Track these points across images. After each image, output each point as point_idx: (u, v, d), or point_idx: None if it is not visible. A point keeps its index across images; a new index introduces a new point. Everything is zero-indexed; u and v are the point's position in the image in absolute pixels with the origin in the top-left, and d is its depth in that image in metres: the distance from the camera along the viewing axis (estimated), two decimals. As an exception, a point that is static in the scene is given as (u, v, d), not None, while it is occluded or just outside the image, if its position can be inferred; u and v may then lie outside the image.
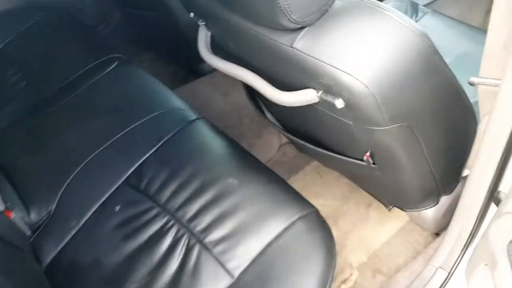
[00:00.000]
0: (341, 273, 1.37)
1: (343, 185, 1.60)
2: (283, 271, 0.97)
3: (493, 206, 1.07)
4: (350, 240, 1.45)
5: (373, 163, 1.02)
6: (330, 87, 0.79)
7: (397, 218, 1.48)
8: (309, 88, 0.83)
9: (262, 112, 1.38)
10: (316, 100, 0.83)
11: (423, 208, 1.22)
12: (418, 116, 0.85)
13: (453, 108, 0.93)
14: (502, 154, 0.89)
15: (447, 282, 1.20)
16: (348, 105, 0.79)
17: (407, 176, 1.03)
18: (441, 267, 1.23)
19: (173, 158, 1.20)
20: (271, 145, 1.75)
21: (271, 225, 1.03)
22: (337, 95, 0.79)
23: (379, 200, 1.43)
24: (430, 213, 1.27)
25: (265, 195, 1.09)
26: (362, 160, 1.02)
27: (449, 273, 1.20)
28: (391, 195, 1.23)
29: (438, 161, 1.01)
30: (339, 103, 0.79)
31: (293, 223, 1.03)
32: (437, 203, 1.22)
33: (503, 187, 1.01)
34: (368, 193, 1.51)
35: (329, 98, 0.80)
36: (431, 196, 1.18)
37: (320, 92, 0.82)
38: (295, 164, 1.71)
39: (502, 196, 1.02)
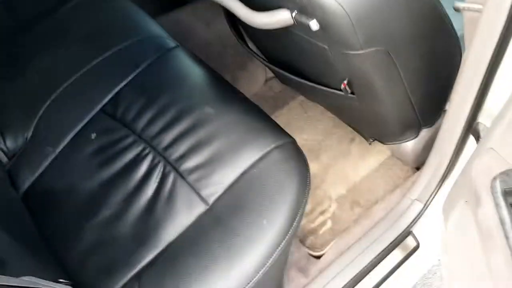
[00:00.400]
0: (320, 204, 1.38)
1: (327, 120, 1.59)
2: (256, 198, 0.97)
3: (471, 139, 1.06)
4: (330, 173, 1.45)
5: (352, 93, 1.00)
6: (304, 8, 0.76)
7: (379, 153, 1.48)
8: (283, 8, 0.80)
9: (244, 42, 1.34)
10: (291, 21, 0.80)
11: (403, 141, 1.22)
12: (395, 41, 0.82)
13: (434, 34, 0.90)
14: (481, 83, 0.87)
15: (422, 214, 1.21)
16: (323, 26, 0.76)
17: (386, 106, 1.01)
18: (417, 199, 1.24)
19: (150, 86, 1.17)
20: (256, 79, 1.72)
21: (246, 154, 1.02)
22: (311, 15, 0.76)
23: (361, 134, 1.42)
24: (410, 146, 1.26)
25: (241, 124, 1.08)
26: (340, 90, 1.00)
27: (425, 205, 1.21)
28: (371, 128, 1.22)
29: (418, 91, 0.99)
30: (314, 25, 0.76)
31: (268, 153, 1.02)
32: (417, 136, 1.21)
33: (482, 119, 1.00)
34: (351, 127, 1.50)
35: (303, 19, 0.77)
36: (411, 128, 1.17)
37: (294, 13, 0.78)
38: (281, 98, 1.69)
39: (481, 127, 1.01)
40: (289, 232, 0.95)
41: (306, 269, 1.19)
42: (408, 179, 1.36)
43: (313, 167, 1.47)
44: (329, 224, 1.34)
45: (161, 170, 1.04)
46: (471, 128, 1.00)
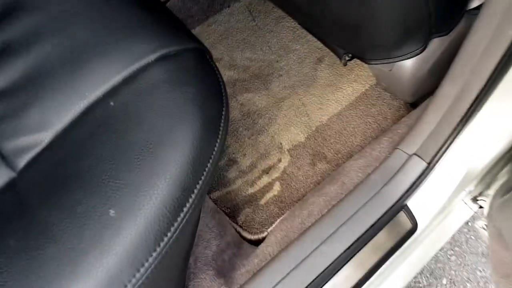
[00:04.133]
0: (264, 158, 0.90)
1: (285, 31, 1.07)
2: (108, 159, 0.48)
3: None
4: (284, 110, 0.96)
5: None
6: None
7: (357, 80, 0.99)
8: None
9: None
10: None
11: (399, 58, 0.72)
12: None
13: None
14: None
15: (423, 178, 0.75)
16: None
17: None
18: (416, 154, 0.76)
19: None
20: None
21: (98, 72, 0.51)
22: None
23: (333, 50, 0.91)
24: (409, 67, 0.77)
25: (103, 21, 0.56)
26: None
27: (429, 164, 0.74)
28: (351, 34, 0.71)
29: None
30: None
31: (144, 68, 0.52)
32: (423, 48, 0.71)
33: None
34: (320, 40, 0.99)
35: None
36: (415, 34, 0.67)
37: None
38: None
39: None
40: (186, 207, 0.48)
41: (233, 267, 0.73)
42: (401, 122, 0.88)
43: (259, 100, 0.97)
44: (276, 188, 0.87)
45: None
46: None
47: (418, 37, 0.69)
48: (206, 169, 0.52)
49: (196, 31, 1.09)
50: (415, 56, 0.73)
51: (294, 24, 1.06)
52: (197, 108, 0.51)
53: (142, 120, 0.50)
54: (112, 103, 0.50)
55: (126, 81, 0.51)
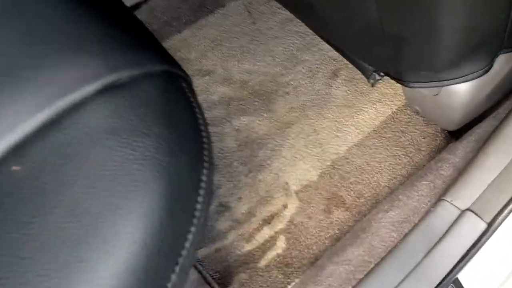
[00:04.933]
0: (265, 202, 0.70)
1: (292, 38, 0.87)
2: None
3: None
4: (291, 138, 0.76)
5: None
6: None
7: (382, 100, 0.79)
8: None
9: None
10: None
11: (457, 79, 0.52)
12: None
13: None
14: None
15: (485, 242, 0.55)
16: None
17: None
18: (471, 211, 0.57)
19: None
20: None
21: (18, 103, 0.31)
22: None
23: (356, 66, 0.71)
24: (465, 90, 0.57)
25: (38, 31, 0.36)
26: None
27: (490, 225, 0.55)
28: (392, 49, 0.51)
29: None
30: None
31: (75, 107, 0.32)
32: (491, 66, 0.51)
33: None
34: (339, 51, 0.78)
35: None
36: (484, 49, 0.47)
37: None
38: (213, -2, 0.95)
39: None
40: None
41: None
42: (441, 157, 0.68)
43: (260, 125, 0.77)
44: (281, 245, 0.67)
45: None
46: None
47: (484, 53, 0.49)
48: (183, 252, 0.32)
49: (183, 36, 0.89)
50: (477, 78, 0.53)
51: (305, 28, 0.86)
52: (159, 171, 0.32)
53: (67, 197, 0.30)
54: (15, 168, 0.30)
55: (43, 130, 0.31)
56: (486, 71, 0.52)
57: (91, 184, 0.30)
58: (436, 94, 0.60)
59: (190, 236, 0.32)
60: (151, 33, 0.43)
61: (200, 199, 0.33)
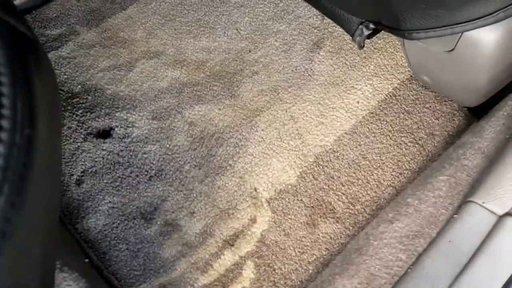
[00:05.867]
0: (227, 216, 0.52)
1: (262, 5, 0.70)
2: None
3: None
4: (260, 129, 0.58)
5: None
6: None
7: (379, 74, 0.62)
8: None
9: None
10: None
11: (475, 21, 0.34)
12: None
13: None
14: None
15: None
16: None
17: None
18: (510, 214, 0.38)
19: None
20: None
21: None
22: None
23: (338, 21, 0.52)
24: (494, 41, 0.39)
25: None
26: None
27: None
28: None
29: None
30: None
31: None
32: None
33: None
34: (319, 8, 0.61)
35: None
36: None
37: None
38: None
39: None
40: None
41: None
42: (464, 141, 0.50)
43: (220, 115, 0.59)
44: (248, 275, 0.49)
45: None
46: None
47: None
48: None
49: (128, 13, 0.71)
50: (504, 19, 0.35)
51: (275, -8, 0.68)
52: None
53: None
54: None
55: None
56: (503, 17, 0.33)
57: None
58: (452, 50, 0.41)
59: None
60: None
61: None
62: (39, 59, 0.24)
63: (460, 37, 0.40)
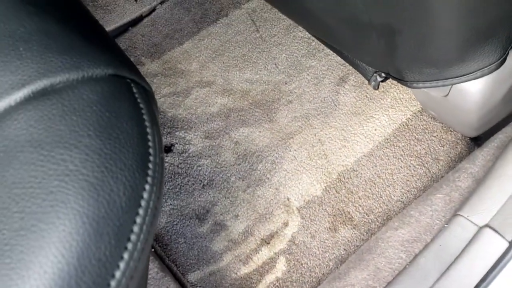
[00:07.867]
0: (265, 220, 0.64)
1: (297, 44, 0.82)
2: None
3: None
4: (293, 150, 0.70)
5: None
6: None
7: (395, 106, 0.73)
8: None
9: None
10: None
11: (464, 76, 0.46)
12: None
13: None
14: None
15: (507, 263, 0.48)
16: None
17: None
18: (491, 227, 0.50)
19: None
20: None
21: None
22: None
23: (358, 69, 0.65)
24: (477, 91, 0.50)
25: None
26: None
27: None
28: (385, 43, 0.45)
29: None
30: None
31: (23, 102, 0.28)
32: (503, 60, 0.45)
33: None
34: (340, 54, 0.73)
35: None
36: (493, 38, 0.41)
37: None
38: (217, 4, 0.91)
39: None
40: None
41: None
42: (460, 167, 0.61)
43: (260, 137, 0.72)
44: (281, 267, 0.61)
45: None
46: None
47: (494, 44, 0.42)
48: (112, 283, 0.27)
49: (184, 47, 0.85)
50: (488, 74, 0.46)
51: (310, 34, 0.81)
52: (84, 188, 0.27)
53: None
54: None
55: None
56: (498, 66, 0.45)
57: (1, 205, 0.26)
58: (446, 95, 0.53)
59: (122, 265, 0.27)
60: (105, 32, 0.39)
61: (138, 220, 0.28)
62: (155, 104, 0.37)
63: (452, 86, 0.52)
